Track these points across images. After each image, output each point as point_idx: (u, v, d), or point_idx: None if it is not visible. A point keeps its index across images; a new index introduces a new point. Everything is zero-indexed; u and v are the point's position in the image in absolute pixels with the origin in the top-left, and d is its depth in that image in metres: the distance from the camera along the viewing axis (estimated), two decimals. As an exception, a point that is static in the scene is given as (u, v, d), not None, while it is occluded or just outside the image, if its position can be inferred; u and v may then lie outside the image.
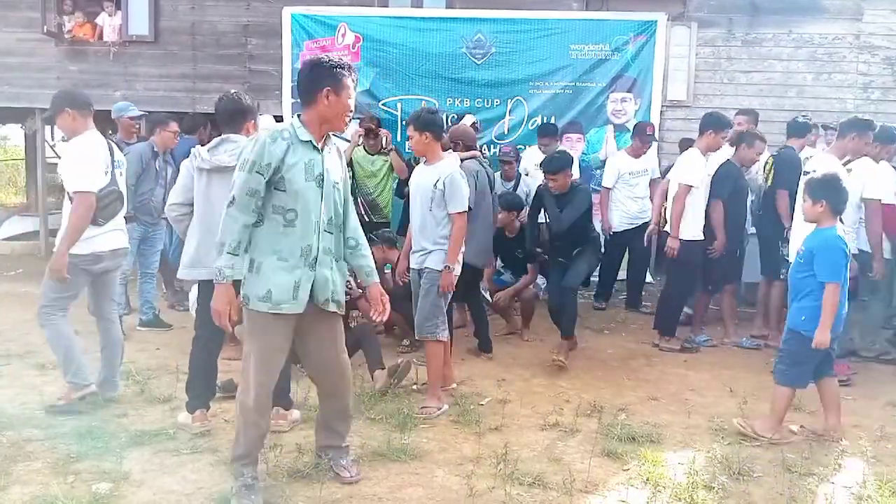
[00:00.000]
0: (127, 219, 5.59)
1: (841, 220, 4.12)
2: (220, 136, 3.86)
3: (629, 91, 7.62)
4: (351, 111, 3.07)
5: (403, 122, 7.55)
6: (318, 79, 2.99)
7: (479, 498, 3.18)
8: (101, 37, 9.11)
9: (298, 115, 3.07)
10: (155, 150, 5.96)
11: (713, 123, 5.57)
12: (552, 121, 7.57)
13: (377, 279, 3.33)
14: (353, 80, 3.06)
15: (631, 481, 3.42)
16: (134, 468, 3.40)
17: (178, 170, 6.01)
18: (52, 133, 11.90)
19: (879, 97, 7.88)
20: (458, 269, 4.38)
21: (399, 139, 7.43)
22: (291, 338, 3.12)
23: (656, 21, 7.54)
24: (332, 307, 3.13)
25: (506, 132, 7.73)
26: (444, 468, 3.51)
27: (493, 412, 4.26)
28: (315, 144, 3.01)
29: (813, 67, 8.00)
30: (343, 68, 3.02)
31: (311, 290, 3.03)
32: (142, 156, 5.86)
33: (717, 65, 8.12)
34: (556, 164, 5.39)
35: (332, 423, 3.36)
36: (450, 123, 7.31)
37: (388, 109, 7.85)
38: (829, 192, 3.91)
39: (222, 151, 3.74)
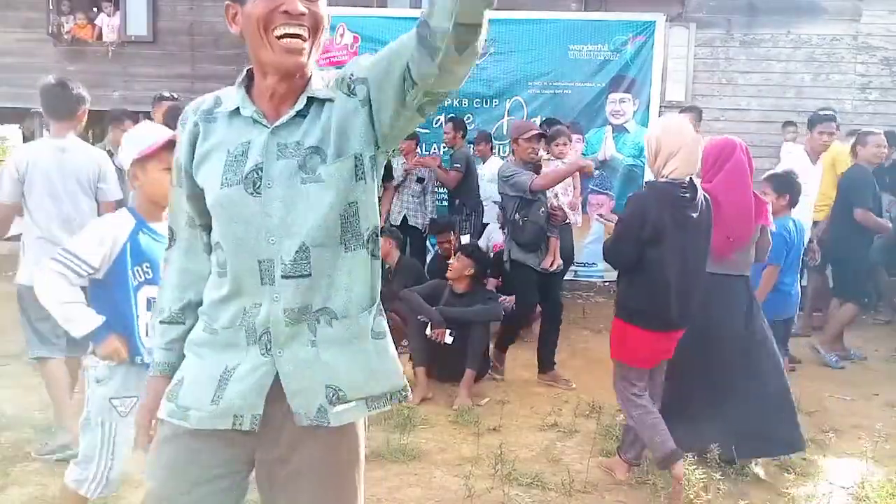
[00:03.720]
0: None
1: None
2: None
3: (628, 92, 7.61)
4: (279, 17, 1.47)
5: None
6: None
7: (478, 498, 3.18)
8: (99, 37, 9.13)
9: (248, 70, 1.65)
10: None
11: (817, 120, 5.40)
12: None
13: None
14: None
15: (629, 482, 3.43)
16: (132, 468, 3.39)
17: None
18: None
19: (877, 98, 7.90)
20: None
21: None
22: (226, 476, 1.56)
23: (655, 22, 7.52)
24: (333, 420, 1.51)
25: (504, 133, 7.72)
26: (442, 469, 3.51)
27: (492, 413, 4.26)
28: (257, 117, 1.54)
29: (811, 68, 8.02)
30: None
31: (270, 393, 1.51)
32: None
33: (716, 65, 8.14)
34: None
35: None
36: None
37: None
38: (790, 187, 4.38)
39: None
